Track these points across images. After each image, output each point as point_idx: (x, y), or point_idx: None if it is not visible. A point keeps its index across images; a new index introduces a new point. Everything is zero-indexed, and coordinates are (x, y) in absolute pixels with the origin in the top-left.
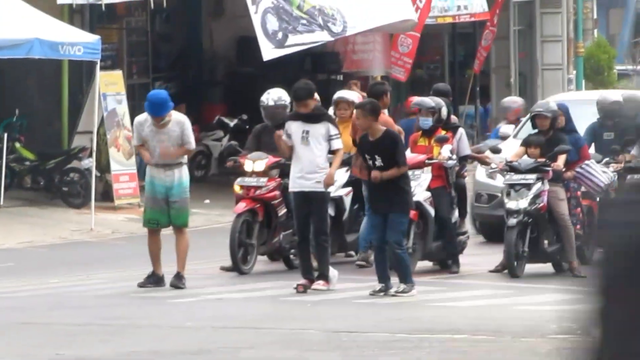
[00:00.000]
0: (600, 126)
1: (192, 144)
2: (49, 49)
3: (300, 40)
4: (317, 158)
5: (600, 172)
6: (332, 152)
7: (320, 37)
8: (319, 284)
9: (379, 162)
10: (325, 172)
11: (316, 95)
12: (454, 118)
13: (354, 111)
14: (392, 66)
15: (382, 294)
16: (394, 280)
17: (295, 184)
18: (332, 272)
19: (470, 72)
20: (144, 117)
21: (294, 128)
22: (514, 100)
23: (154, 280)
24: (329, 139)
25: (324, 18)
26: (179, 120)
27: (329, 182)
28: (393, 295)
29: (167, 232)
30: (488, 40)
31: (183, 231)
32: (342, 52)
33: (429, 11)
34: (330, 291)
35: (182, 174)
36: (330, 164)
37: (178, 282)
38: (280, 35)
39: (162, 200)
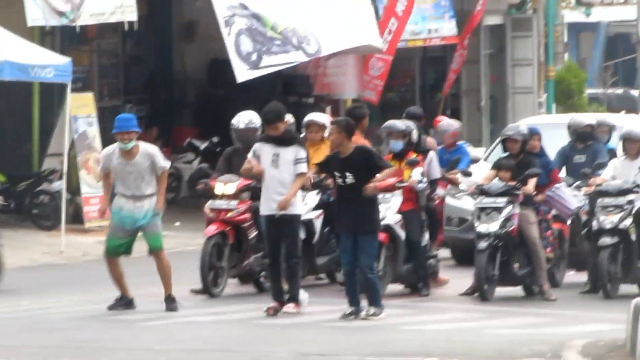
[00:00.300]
0: (572, 149)
1: (167, 165)
2: (20, 71)
3: (275, 61)
4: (287, 182)
5: (571, 196)
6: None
7: (295, 57)
8: (290, 307)
9: (349, 180)
10: (297, 198)
11: (289, 118)
12: (430, 141)
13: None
14: (364, 89)
15: (352, 317)
16: (364, 303)
17: (266, 207)
18: (303, 295)
19: (440, 95)
20: (112, 148)
21: (265, 151)
22: (450, 124)
23: (124, 302)
24: (295, 162)
25: (298, 39)
26: (147, 152)
27: (282, 206)
28: (363, 319)
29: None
30: (457, 63)
31: (160, 254)
32: (313, 75)
33: (401, 34)
34: (300, 314)
35: (152, 205)
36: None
37: (172, 305)
38: (254, 56)
39: (126, 230)
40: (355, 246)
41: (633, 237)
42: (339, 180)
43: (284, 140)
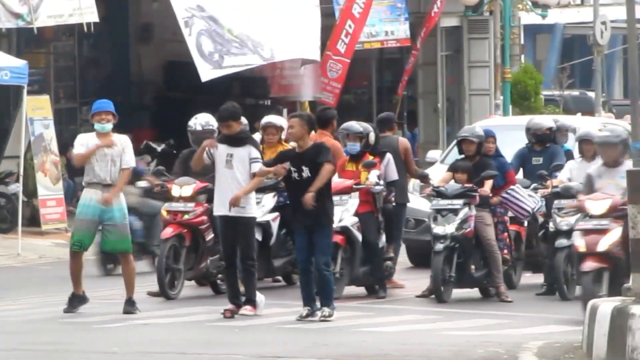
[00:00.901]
0: (530, 151)
1: (131, 164)
2: None
3: (236, 62)
4: (241, 182)
5: (527, 197)
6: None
7: (253, 60)
8: (246, 310)
9: (305, 174)
10: (249, 197)
11: (244, 120)
12: (403, 140)
13: (289, 120)
14: (322, 91)
15: (308, 318)
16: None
17: (220, 207)
18: (259, 297)
19: (397, 97)
20: (89, 134)
21: (219, 151)
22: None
23: (77, 301)
24: (250, 162)
25: (253, 43)
26: (121, 139)
27: (233, 202)
28: (321, 321)
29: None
30: (409, 64)
31: (128, 257)
32: (270, 77)
33: (359, 37)
34: (257, 316)
35: (120, 198)
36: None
37: (130, 308)
38: (216, 56)
39: (91, 222)
40: (310, 244)
41: None
42: (295, 175)
43: (237, 140)
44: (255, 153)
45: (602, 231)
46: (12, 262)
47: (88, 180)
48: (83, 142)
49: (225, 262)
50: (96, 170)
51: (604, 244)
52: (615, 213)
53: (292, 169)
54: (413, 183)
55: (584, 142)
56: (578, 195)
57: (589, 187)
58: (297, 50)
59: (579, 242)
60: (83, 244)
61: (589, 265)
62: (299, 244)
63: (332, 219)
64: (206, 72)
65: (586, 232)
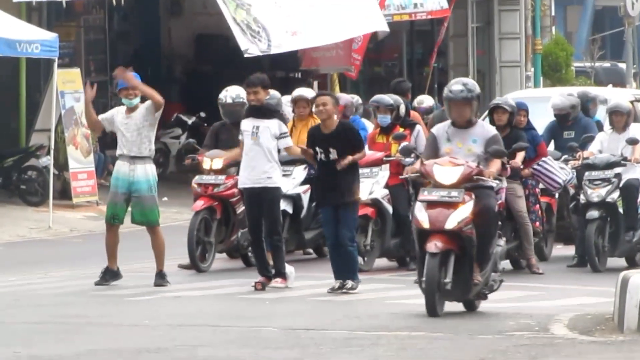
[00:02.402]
0: (560, 124)
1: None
2: (6, 46)
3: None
4: (267, 154)
5: (558, 169)
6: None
7: (252, 50)
8: (277, 282)
9: (333, 155)
10: (278, 172)
11: (276, 93)
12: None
13: (319, 98)
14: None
15: (339, 290)
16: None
17: (246, 179)
18: (289, 269)
19: (428, 69)
20: (116, 109)
21: (246, 124)
22: (339, 97)
23: (110, 276)
24: (280, 137)
25: (251, 33)
26: (146, 104)
27: (293, 152)
28: (344, 293)
29: (139, 229)
30: (440, 35)
31: (156, 230)
32: (301, 49)
33: (383, 8)
34: (288, 289)
35: (148, 170)
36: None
37: (161, 280)
38: (249, 35)
39: (122, 194)
40: (336, 218)
41: (620, 210)
42: (322, 156)
43: (263, 112)
44: (284, 127)
45: (451, 204)
46: (43, 235)
47: (118, 152)
48: (114, 113)
49: (251, 236)
50: (123, 141)
51: (453, 220)
52: (467, 184)
53: (319, 149)
54: None
55: (615, 113)
56: (419, 160)
57: (433, 150)
58: (366, 25)
59: (421, 217)
60: (117, 216)
61: (435, 245)
62: (325, 218)
63: (358, 196)
64: (250, 47)
65: (431, 204)
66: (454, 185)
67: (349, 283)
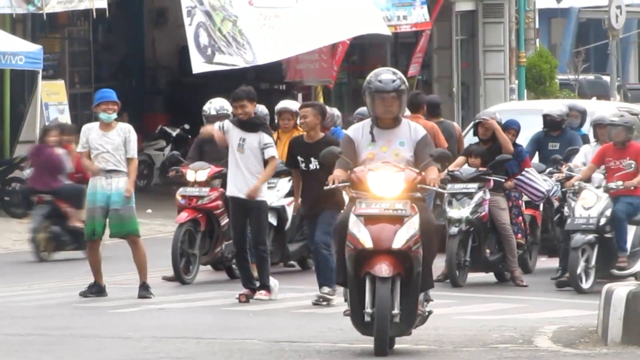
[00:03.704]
0: (546, 136)
1: (134, 155)
2: None
3: (225, 60)
4: (251, 167)
5: (541, 180)
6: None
7: (237, 61)
8: (261, 294)
9: (313, 165)
10: (264, 186)
11: (262, 108)
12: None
13: (301, 110)
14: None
15: (320, 302)
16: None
17: (233, 188)
18: (273, 282)
19: (413, 81)
20: (91, 124)
21: (233, 133)
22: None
23: (96, 290)
24: (262, 147)
25: (237, 45)
26: (123, 128)
27: (251, 194)
28: (315, 303)
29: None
30: (419, 44)
31: (136, 240)
32: (286, 61)
33: None
34: (272, 301)
35: (123, 185)
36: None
37: (145, 292)
38: (209, 50)
39: (99, 208)
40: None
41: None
42: (302, 166)
43: (250, 125)
44: (268, 139)
45: (396, 219)
46: (26, 247)
47: (94, 168)
48: (83, 133)
49: (236, 247)
50: (99, 157)
51: (401, 238)
52: (411, 193)
53: (300, 159)
54: None
55: (599, 126)
56: (335, 166)
57: (351, 156)
58: (365, 26)
59: (361, 235)
60: (95, 231)
61: (385, 268)
62: (309, 229)
63: (341, 206)
64: (198, 65)
65: (370, 219)
66: (396, 197)
67: (325, 288)
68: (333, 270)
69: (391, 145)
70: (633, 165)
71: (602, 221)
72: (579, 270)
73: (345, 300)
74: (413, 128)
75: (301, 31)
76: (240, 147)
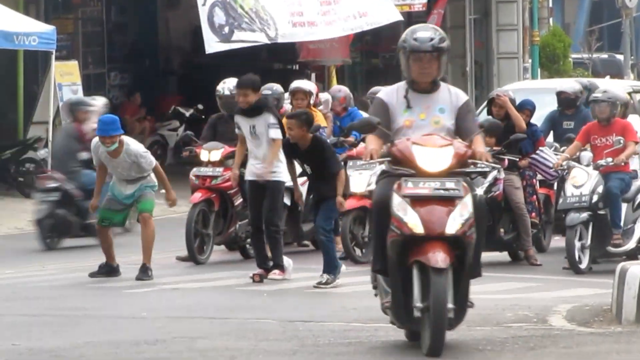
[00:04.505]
0: (560, 115)
1: (151, 166)
2: (4, 39)
3: (245, 37)
4: (265, 150)
5: (555, 159)
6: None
7: (260, 37)
8: (275, 274)
9: (308, 170)
10: (277, 169)
11: (278, 87)
12: None
13: (287, 121)
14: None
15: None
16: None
17: (251, 173)
18: (287, 261)
19: None
20: (94, 144)
21: (242, 123)
22: (339, 89)
23: (106, 270)
24: (268, 127)
25: (260, 21)
26: (129, 151)
27: (298, 198)
28: (315, 287)
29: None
30: (433, 22)
31: (147, 218)
32: (299, 41)
33: None
34: (286, 281)
35: (146, 181)
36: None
37: (143, 275)
38: (226, 29)
39: (118, 203)
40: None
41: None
42: (302, 167)
43: (254, 110)
44: (272, 119)
45: (448, 201)
46: None
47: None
48: (94, 150)
49: (252, 227)
50: (115, 173)
51: (455, 222)
52: (460, 169)
53: (298, 161)
54: None
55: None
56: (366, 138)
57: (386, 120)
58: (379, 17)
59: (410, 219)
60: (106, 219)
61: (440, 258)
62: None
63: (341, 192)
64: (212, 45)
65: (418, 201)
66: (443, 173)
67: (324, 277)
68: (333, 257)
69: (430, 112)
70: (622, 141)
71: (595, 198)
72: (576, 251)
73: (375, 289)
74: (454, 93)
75: (322, 16)
76: (253, 134)
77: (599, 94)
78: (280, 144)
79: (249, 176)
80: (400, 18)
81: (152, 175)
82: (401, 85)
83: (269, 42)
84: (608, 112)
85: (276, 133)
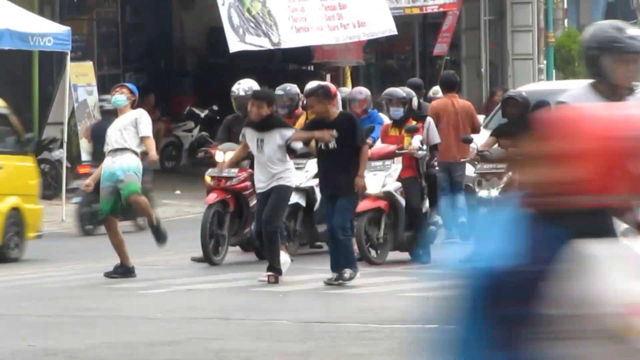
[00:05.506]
0: None
1: (147, 133)
2: (19, 40)
3: (253, 41)
4: (275, 165)
5: None
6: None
7: (264, 43)
8: (266, 276)
9: (332, 145)
10: (290, 170)
11: (293, 87)
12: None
13: (305, 100)
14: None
15: (335, 283)
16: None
17: (259, 185)
18: (284, 257)
19: (441, 62)
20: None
21: (250, 135)
22: (360, 91)
23: (122, 271)
24: (287, 143)
25: (265, 26)
26: (135, 111)
27: (360, 188)
28: (339, 284)
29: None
30: (448, 23)
31: (136, 197)
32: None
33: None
34: (290, 283)
35: (128, 159)
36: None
37: (158, 235)
38: (240, 30)
39: (108, 187)
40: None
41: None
42: (322, 145)
43: (264, 125)
44: (288, 132)
45: None
46: (56, 229)
47: (105, 149)
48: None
49: (257, 236)
50: (108, 142)
51: None
52: None
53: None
54: None
55: None
56: None
57: None
58: (375, 28)
59: None
60: (101, 211)
61: None
62: (327, 211)
63: (358, 189)
64: (234, 44)
65: None
66: None
67: (347, 272)
68: (352, 253)
69: None
70: None
71: None
72: None
73: None
74: None
75: (324, 22)
76: (259, 148)
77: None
78: (299, 136)
79: (258, 188)
80: (395, 32)
81: (138, 158)
82: (584, 89)
83: (272, 47)
84: None
85: (295, 144)
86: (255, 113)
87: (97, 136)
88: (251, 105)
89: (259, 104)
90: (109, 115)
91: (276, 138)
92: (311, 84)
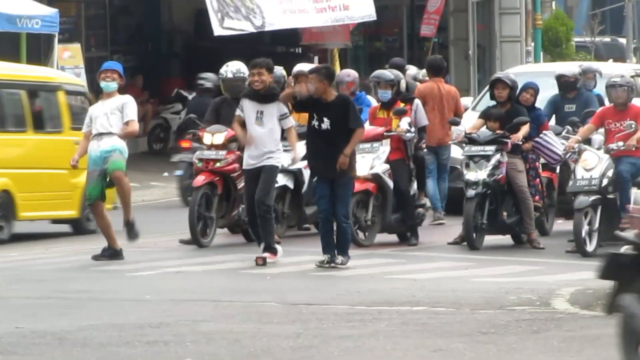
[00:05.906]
0: (562, 98)
1: (133, 117)
2: (7, 22)
3: (233, 25)
4: (272, 138)
5: (558, 143)
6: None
7: (246, 26)
8: (265, 256)
9: (325, 125)
10: (280, 151)
11: (280, 70)
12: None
13: (309, 77)
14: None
15: (327, 265)
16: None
17: (249, 160)
18: (278, 248)
19: (428, 45)
20: (97, 105)
21: (249, 108)
22: (347, 74)
23: (109, 253)
24: (280, 118)
25: (246, 9)
26: (122, 97)
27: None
28: (333, 267)
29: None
30: (436, 4)
31: (120, 177)
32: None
33: None
34: (283, 264)
35: (113, 141)
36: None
37: (130, 232)
38: (219, 15)
39: (94, 171)
40: (331, 193)
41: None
42: (315, 123)
43: (266, 96)
44: (284, 109)
45: None
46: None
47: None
48: (90, 110)
49: (248, 216)
50: (94, 126)
51: None
52: None
53: (315, 115)
54: None
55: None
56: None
57: None
58: (357, 12)
59: None
60: (89, 196)
61: None
62: (319, 192)
63: (353, 171)
64: (218, 28)
65: None
66: None
67: (339, 258)
68: (349, 241)
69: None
70: (633, 126)
71: (605, 182)
72: (583, 233)
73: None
74: None
75: (313, 5)
76: (259, 119)
77: (617, 79)
78: (294, 131)
79: (247, 166)
80: (374, 18)
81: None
82: None
83: (255, 30)
84: (625, 97)
85: (290, 122)
86: (258, 80)
87: (195, 112)
88: (252, 76)
89: (259, 71)
90: (208, 92)
91: (275, 111)
92: (299, 66)
